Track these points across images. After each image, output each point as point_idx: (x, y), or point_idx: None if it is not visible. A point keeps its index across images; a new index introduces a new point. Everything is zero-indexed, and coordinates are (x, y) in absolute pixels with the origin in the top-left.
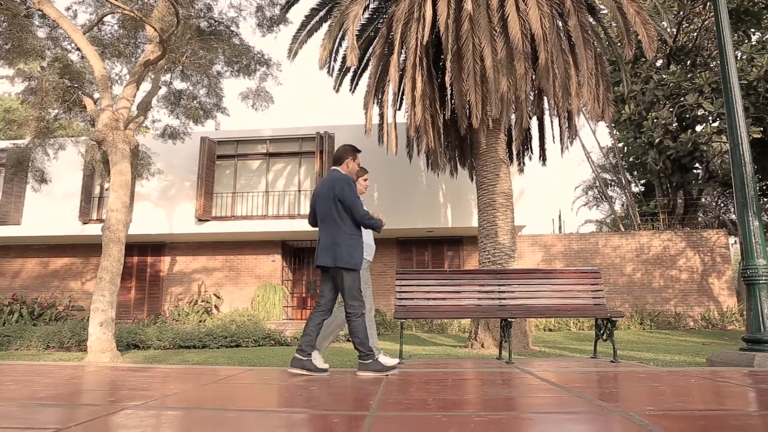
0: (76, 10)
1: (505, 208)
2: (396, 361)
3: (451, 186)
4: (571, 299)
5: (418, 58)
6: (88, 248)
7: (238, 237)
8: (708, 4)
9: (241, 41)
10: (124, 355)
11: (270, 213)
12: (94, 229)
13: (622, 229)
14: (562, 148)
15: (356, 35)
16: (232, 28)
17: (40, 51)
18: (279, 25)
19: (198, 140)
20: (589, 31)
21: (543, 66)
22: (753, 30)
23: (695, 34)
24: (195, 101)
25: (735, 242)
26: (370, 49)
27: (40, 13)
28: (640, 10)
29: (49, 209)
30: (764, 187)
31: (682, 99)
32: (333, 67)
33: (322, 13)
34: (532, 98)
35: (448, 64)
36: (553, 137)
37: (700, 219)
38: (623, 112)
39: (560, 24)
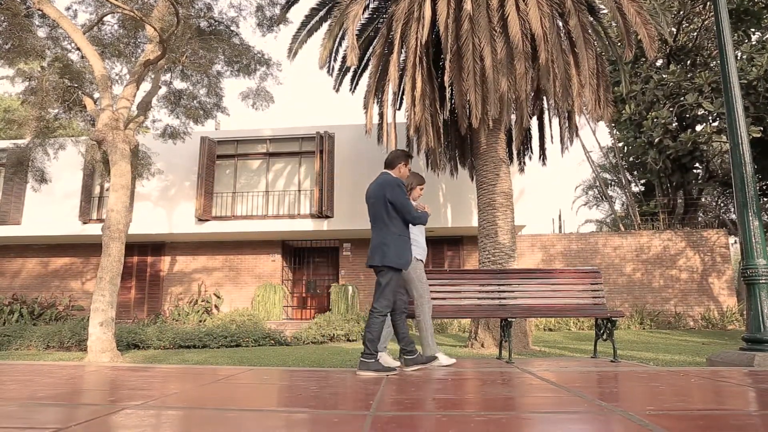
0: (76, 10)
1: (505, 207)
2: (452, 360)
3: (451, 186)
4: (571, 299)
5: (417, 58)
6: (88, 248)
7: (238, 237)
8: (708, 3)
9: (241, 41)
10: (124, 355)
11: (270, 213)
12: (94, 229)
13: (622, 228)
14: (562, 148)
15: (356, 35)
16: (232, 28)
17: (40, 51)
18: (279, 24)
19: (198, 140)
20: (590, 31)
21: (543, 66)
22: (753, 30)
23: (695, 33)
24: (195, 101)
25: (735, 242)
26: (370, 49)
27: (40, 12)
28: (640, 10)
29: (49, 209)
30: (764, 187)
31: (682, 99)
32: (333, 66)
33: (322, 13)
34: (532, 98)
35: (447, 64)
36: (553, 137)
37: (700, 219)
38: (623, 112)
39: (560, 24)
